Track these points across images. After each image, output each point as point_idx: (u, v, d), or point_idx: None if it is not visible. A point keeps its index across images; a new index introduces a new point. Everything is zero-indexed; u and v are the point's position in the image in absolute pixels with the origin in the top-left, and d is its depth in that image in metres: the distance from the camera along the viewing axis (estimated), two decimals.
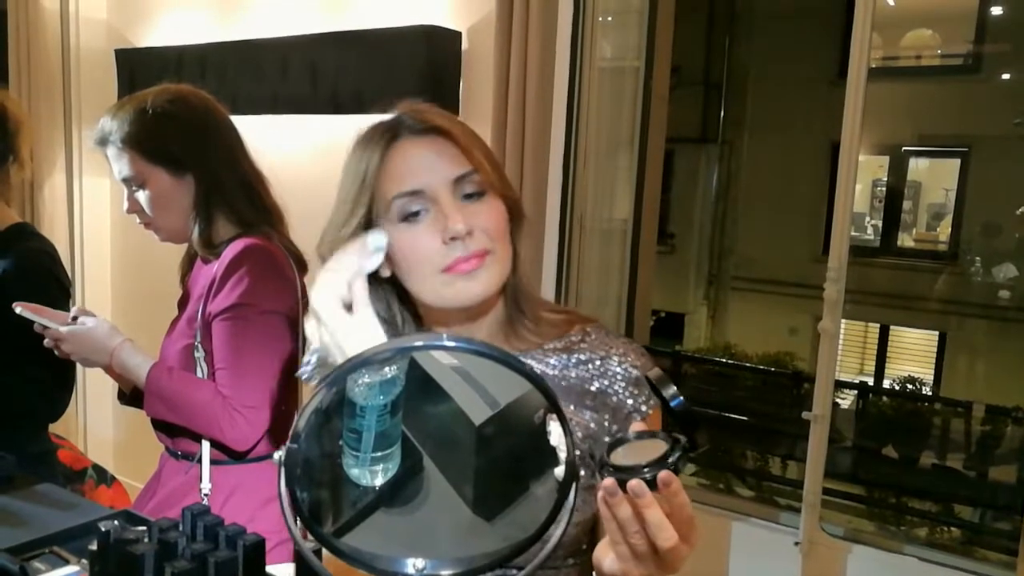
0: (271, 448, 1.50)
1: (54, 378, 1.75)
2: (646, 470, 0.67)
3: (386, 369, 0.68)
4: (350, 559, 0.68)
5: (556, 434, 0.71)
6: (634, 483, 0.67)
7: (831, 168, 7.45)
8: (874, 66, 2.72)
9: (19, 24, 3.22)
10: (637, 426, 0.74)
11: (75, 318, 1.54)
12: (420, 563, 0.68)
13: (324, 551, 0.70)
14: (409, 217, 0.94)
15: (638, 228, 2.74)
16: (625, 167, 2.72)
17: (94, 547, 0.84)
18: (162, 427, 1.57)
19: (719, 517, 2.39)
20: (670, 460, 0.68)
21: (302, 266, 1.57)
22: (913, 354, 9.68)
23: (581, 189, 2.55)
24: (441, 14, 2.56)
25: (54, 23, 3.31)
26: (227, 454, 1.51)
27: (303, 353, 1.26)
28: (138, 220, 1.58)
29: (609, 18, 2.63)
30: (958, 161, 8.97)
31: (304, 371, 1.07)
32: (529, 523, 0.70)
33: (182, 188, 1.52)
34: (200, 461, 1.52)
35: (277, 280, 1.49)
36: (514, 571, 0.82)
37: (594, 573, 0.80)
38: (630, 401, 1.02)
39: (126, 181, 1.53)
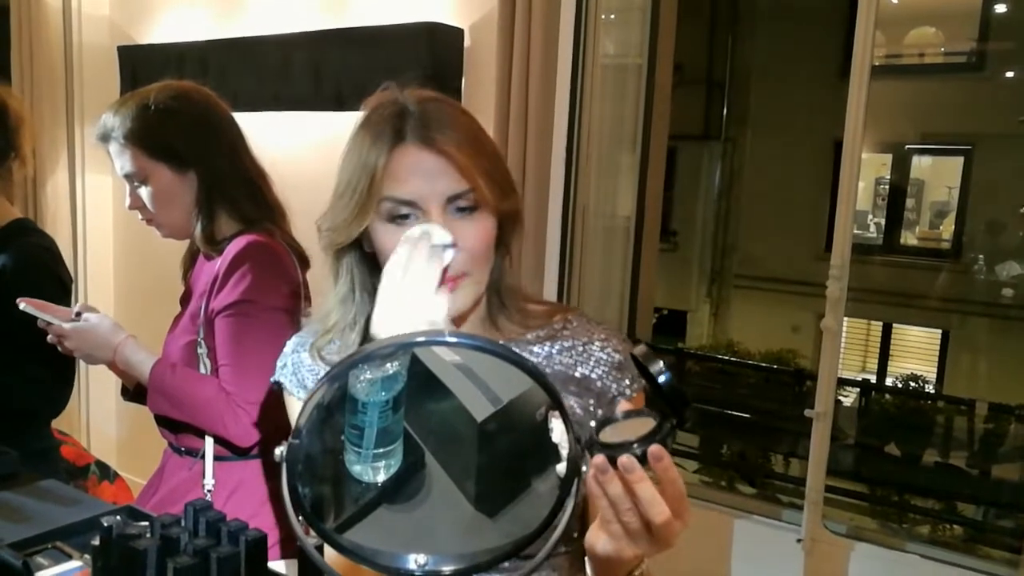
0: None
1: (54, 374, 1.75)
2: (635, 446, 0.67)
3: (388, 365, 0.68)
4: (352, 555, 0.68)
5: (558, 431, 0.71)
6: (624, 459, 0.67)
7: (834, 166, 7.42)
8: (877, 64, 2.72)
9: (21, 20, 3.23)
10: (624, 405, 0.74)
11: (78, 314, 1.54)
12: (422, 559, 0.68)
13: (326, 547, 0.70)
14: (397, 219, 0.95)
15: (641, 225, 2.74)
16: (628, 164, 2.71)
17: (97, 542, 0.84)
18: (165, 423, 1.58)
19: (721, 515, 2.39)
20: (659, 435, 0.67)
21: (304, 262, 1.57)
22: (916, 352, 9.67)
23: (584, 186, 2.55)
24: (443, 11, 2.56)
25: (56, 20, 3.31)
26: (231, 450, 1.51)
27: None
28: (140, 216, 1.58)
29: (612, 15, 2.62)
30: (961, 159, 8.95)
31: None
32: (531, 519, 0.70)
33: (184, 184, 1.52)
34: (203, 457, 1.53)
35: (280, 276, 1.49)
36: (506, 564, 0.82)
37: (587, 557, 0.80)
38: (614, 385, 1.03)
39: (128, 177, 1.53)
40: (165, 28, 3.28)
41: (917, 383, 6.88)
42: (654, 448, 0.67)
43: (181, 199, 1.53)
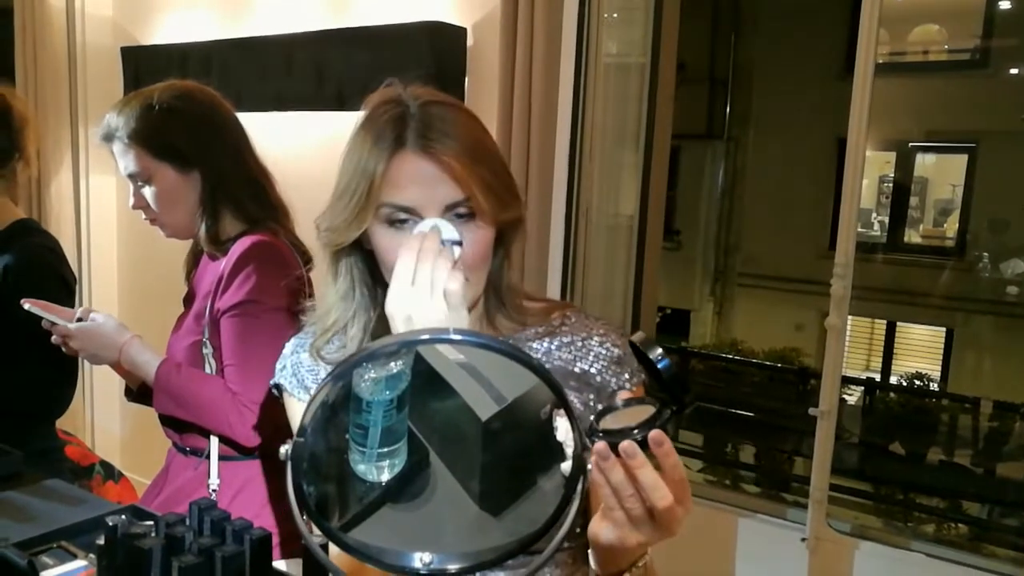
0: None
1: (58, 374, 1.75)
2: (636, 431, 0.67)
3: (392, 364, 0.68)
4: (357, 553, 0.68)
5: (563, 429, 0.71)
6: (626, 444, 0.67)
7: (837, 164, 7.41)
8: (881, 61, 2.71)
9: (25, 21, 3.23)
10: (624, 394, 0.74)
11: (80, 320, 1.54)
12: (427, 558, 0.68)
13: (331, 546, 0.70)
14: (395, 223, 0.95)
15: (644, 224, 2.73)
16: (631, 163, 2.71)
17: (101, 541, 0.84)
18: (170, 423, 1.58)
19: (726, 513, 2.38)
20: (659, 421, 0.68)
21: (308, 262, 1.57)
22: (920, 350, 9.66)
23: (587, 185, 2.55)
24: (446, 10, 2.56)
25: (60, 21, 3.32)
26: (236, 450, 1.51)
27: None
28: (144, 216, 1.58)
29: (614, 14, 2.62)
30: (965, 157, 8.94)
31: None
32: (536, 518, 0.69)
33: (188, 184, 1.52)
34: (208, 457, 1.53)
35: (285, 276, 1.49)
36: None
37: (590, 549, 0.79)
38: (613, 380, 1.04)
39: (132, 177, 1.53)
40: (168, 29, 3.28)
41: (921, 381, 6.87)
42: (655, 433, 0.67)
43: (185, 199, 1.53)
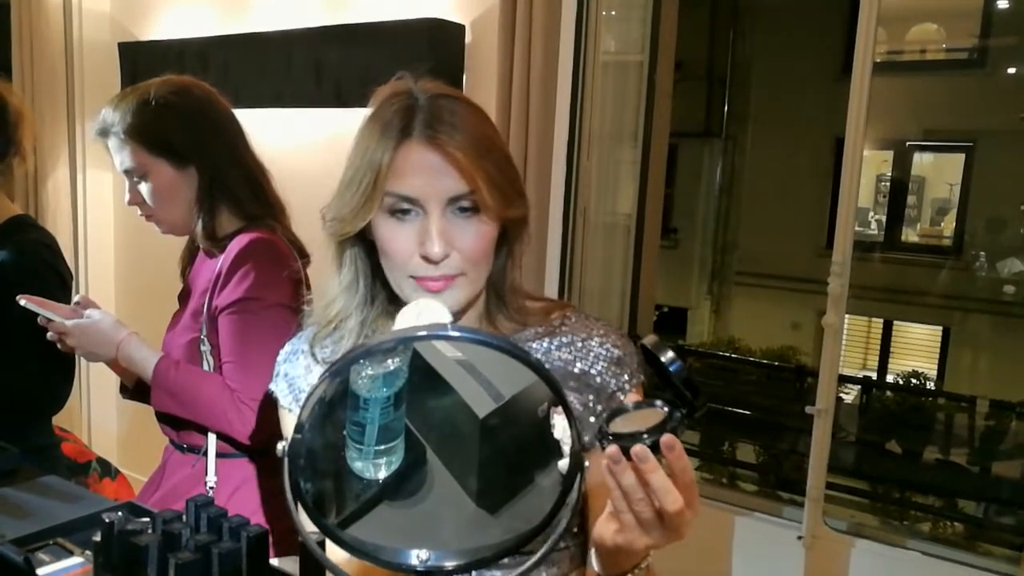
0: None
1: (54, 370, 1.75)
2: (646, 436, 0.67)
3: (389, 361, 0.68)
4: (354, 550, 0.68)
5: (560, 426, 0.71)
6: (638, 448, 0.67)
7: (835, 163, 7.42)
8: (879, 60, 2.72)
9: (22, 17, 3.22)
10: (633, 396, 0.74)
11: (77, 303, 1.53)
12: (424, 554, 0.68)
13: (328, 543, 0.70)
14: (397, 213, 0.94)
15: (641, 222, 2.74)
16: (628, 161, 2.71)
17: (98, 538, 0.84)
18: (167, 420, 1.57)
19: (722, 512, 2.39)
20: (670, 425, 0.68)
21: (305, 258, 1.57)
22: (917, 349, 9.68)
23: (584, 183, 2.55)
24: (444, 7, 2.55)
25: (57, 16, 3.31)
26: (234, 447, 1.51)
27: None
28: (139, 212, 1.57)
29: (612, 12, 2.62)
30: (963, 156, 8.95)
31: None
32: (533, 515, 0.70)
33: (184, 180, 1.52)
34: (206, 454, 1.53)
35: (282, 273, 1.49)
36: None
37: (593, 550, 0.79)
38: (613, 381, 1.03)
39: (128, 173, 1.52)
40: (166, 24, 3.28)
41: (918, 380, 6.88)
42: (666, 438, 0.67)
43: (181, 195, 1.53)
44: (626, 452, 0.67)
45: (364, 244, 1.02)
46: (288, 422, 1.11)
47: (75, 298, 1.55)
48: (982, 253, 8.55)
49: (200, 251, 1.60)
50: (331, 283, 1.05)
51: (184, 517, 0.86)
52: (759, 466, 5.54)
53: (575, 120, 2.48)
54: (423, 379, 0.73)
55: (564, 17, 2.36)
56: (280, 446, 0.66)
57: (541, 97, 2.31)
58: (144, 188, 1.52)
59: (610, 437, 0.69)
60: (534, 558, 0.69)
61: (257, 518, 1.49)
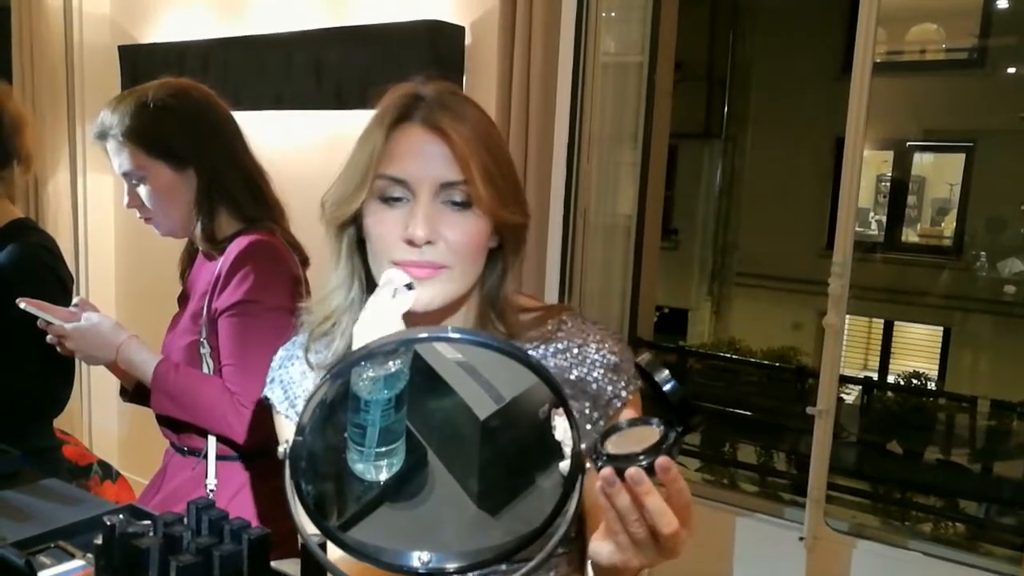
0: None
1: (54, 373, 1.75)
2: (642, 457, 0.66)
3: (390, 363, 0.68)
4: (355, 552, 0.68)
5: (561, 428, 0.71)
6: (633, 471, 0.66)
7: (835, 163, 7.42)
8: (879, 60, 2.72)
9: (22, 20, 3.23)
10: (628, 413, 0.74)
11: (76, 305, 1.53)
12: (425, 556, 0.68)
13: (330, 545, 0.70)
14: (387, 199, 0.94)
15: (642, 224, 2.74)
16: (629, 163, 2.71)
17: (99, 541, 0.84)
18: (167, 423, 1.57)
19: (723, 513, 2.38)
20: (665, 446, 0.67)
21: (305, 260, 1.57)
22: (917, 350, 9.67)
23: (585, 185, 2.55)
24: (444, 9, 2.55)
25: (57, 19, 3.31)
26: (234, 449, 1.51)
27: None
28: (138, 214, 1.57)
29: (612, 13, 2.62)
30: (963, 156, 8.95)
31: None
32: (534, 517, 0.69)
33: (183, 182, 1.52)
34: (206, 457, 1.53)
35: (282, 275, 1.49)
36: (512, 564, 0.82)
37: (589, 564, 0.79)
38: (609, 388, 1.01)
39: (127, 175, 1.52)
40: (166, 27, 3.28)
41: (919, 380, 6.88)
42: (661, 460, 0.66)
43: (180, 197, 1.53)
44: (620, 473, 0.67)
45: (360, 243, 1.01)
46: (284, 427, 1.11)
47: (74, 301, 1.55)
48: (982, 253, 8.55)
49: (199, 253, 1.60)
50: (329, 278, 1.05)
51: (185, 520, 0.86)
52: (759, 467, 5.53)
53: (575, 121, 2.48)
54: (424, 381, 0.73)
55: (564, 18, 2.37)
56: (281, 449, 0.66)
57: (541, 98, 2.31)
58: (143, 190, 1.52)
59: (605, 457, 0.68)
60: (533, 563, 0.69)
61: (258, 521, 1.49)
